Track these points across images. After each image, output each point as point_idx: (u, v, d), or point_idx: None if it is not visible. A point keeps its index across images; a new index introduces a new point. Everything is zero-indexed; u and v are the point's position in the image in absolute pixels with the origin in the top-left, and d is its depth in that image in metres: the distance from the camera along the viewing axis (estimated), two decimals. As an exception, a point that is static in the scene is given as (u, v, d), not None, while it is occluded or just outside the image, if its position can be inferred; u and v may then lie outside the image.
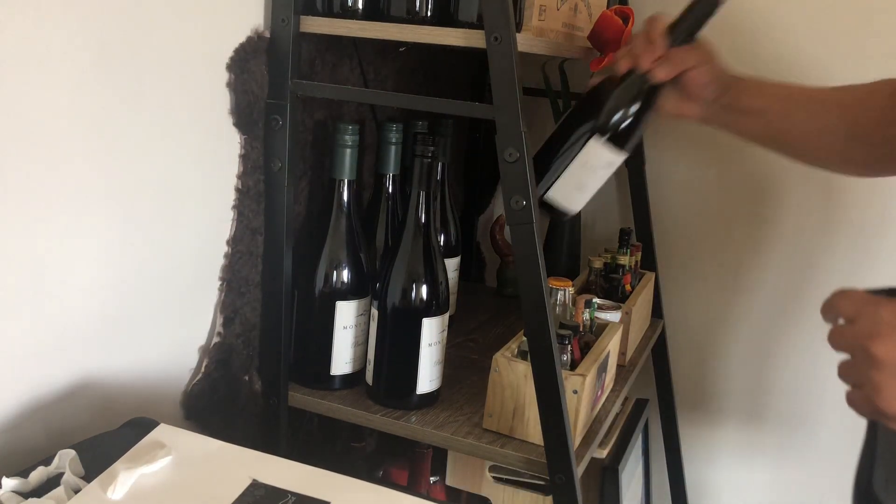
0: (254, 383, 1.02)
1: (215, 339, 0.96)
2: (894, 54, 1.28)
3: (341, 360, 1.02)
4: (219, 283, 0.96)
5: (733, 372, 1.49)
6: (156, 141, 0.84)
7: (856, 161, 1.02)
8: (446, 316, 1.00)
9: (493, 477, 1.03)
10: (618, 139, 0.94)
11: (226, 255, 0.96)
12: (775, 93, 1.01)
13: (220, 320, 0.96)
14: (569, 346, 0.96)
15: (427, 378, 0.99)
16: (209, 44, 0.88)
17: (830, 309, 0.68)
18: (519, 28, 0.91)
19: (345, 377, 1.03)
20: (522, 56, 0.85)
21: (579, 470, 0.92)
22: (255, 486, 0.68)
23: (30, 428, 0.76)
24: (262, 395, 1.02)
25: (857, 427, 0.79)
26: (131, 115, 0.80)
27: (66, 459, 0.68)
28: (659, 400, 1.51)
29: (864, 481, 0.75)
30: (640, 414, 1.38)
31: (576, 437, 0.94)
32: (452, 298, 1.26)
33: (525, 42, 0.88)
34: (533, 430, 0.94)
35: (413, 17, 0.91)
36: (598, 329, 1.09)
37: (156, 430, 0.75)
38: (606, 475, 1.17)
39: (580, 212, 1.49)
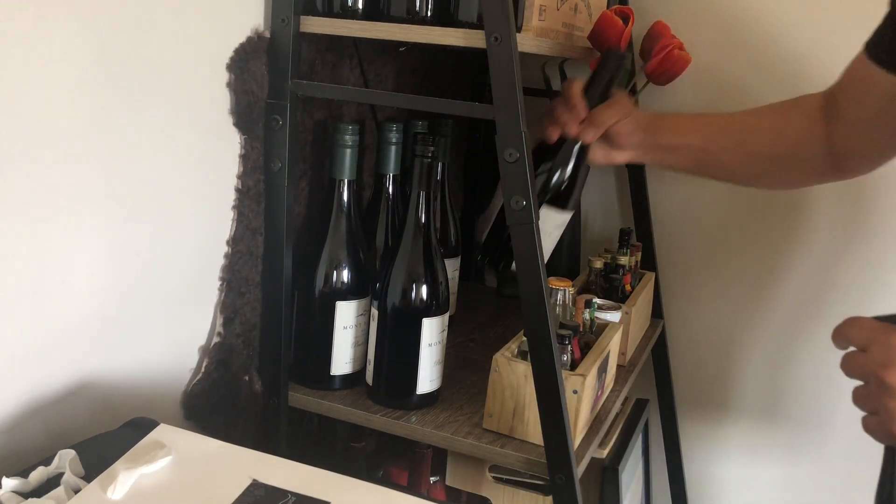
0: (254, 383, 1.02)
1: (215, 339, 0.96)
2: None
3: (341, 360, 1.02)
4: (219, 283, 0.96)
5: (733, 371, 1.49)
6: (156, 141, 0.84)
7: (787, 179, 1.09)
8: (446, 316, 1.00)
9: (493, 477, 1.03)
10: (560, 201, 1.04)
11: (226, 255, 0.96)
12: (694, 126, 1.07)
13: (220, 320, 0.96)
14: (569, 346, 0.96)
15: (427, 378, 0.99)
16: (209, 44, 0.88)
17: (841, 336, 0.71)
18: (519, 28, 0.91)
19: (345, 377, 1.03)
20: (522, 56, 0.85)
21: (579, 470, 0.92)
22: (255, 486, 0.68)
23: (30, 428, 0.76)
24: (262, 395, 1.02)
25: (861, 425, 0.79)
26: (131, 115, 0.80)
27: (66, 459, 0.68)
28: (659, 400, 1.51)
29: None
30: (640, 414, 1.38)
31: (576, 437, 0.94)
32: (452, 298, 1.26)
33: (525, 42, 0.88)
34: (533, 430, 0.94)
35: (413, 17, 0.91)
36: (598, 329, 1.09)
37: (156, 430, 0.75)
38: (606, 475, 1.17)
39: (580, 212, 1.50)
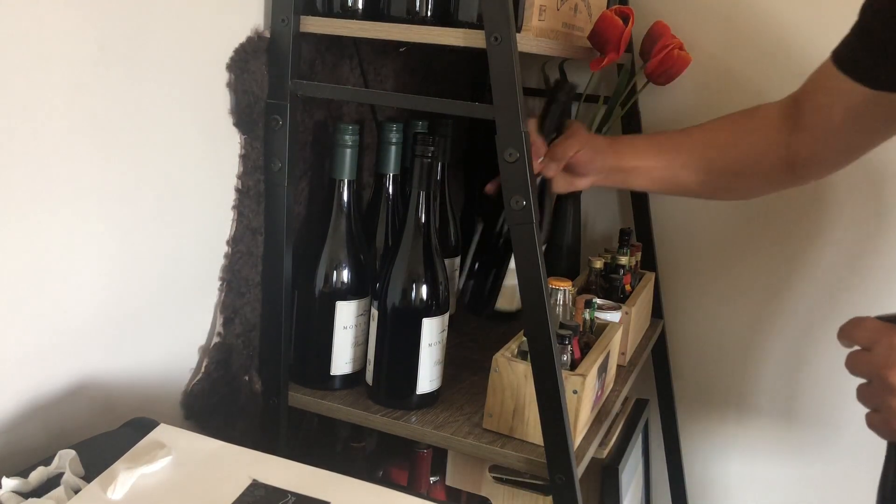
0: (254, 383, 1.02)
1: (215, 339, 0.96)
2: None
3: (341, 361, 1.02)
4: (219, 283, 0.96)
5: (733, 371, 1.49)
6: (156, 141, 0.84)
7: (748, 190, 1.12)
8: (446, 316, 1.00)
9: (493, 477, 1.03)
10: None
11: (226, 255, 0.96)
12: (651, 147, 1.10)
13: (220, 320, 0.96)
14: (569, 346, 0.96)
15: (427, 378, 0.99)
16: (209, 44, 0.88)
17: (846, 336, 0.74)
18: (519, 28, 0.91)
19: (345, 377, 1.03)
20: (522, 56, 0.85)
21: (579, 470, 0.92)
22: (255, 486, 0.68)
23: (30, 428, 0.76)
24: (262, 395, 1.02)
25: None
26: (131, 116, 0.80)
27: (66, 459, 0.68)
28: (659, 400, 1.51)
29: (886, 500, 0.77)
30: (640, 414, 1.38)
31: (576, 437, 0.94)
32: (452, 299, 1.26)
33: (525, 42, 0.88)
34: (533, 430, 0.94)
35: (413, 17, 0.91)
36: (598, 329, 1.09)
37: (156, 430, 0.75)
38: (606, 475, 1.17)
39: (580, 212, 1.50)
